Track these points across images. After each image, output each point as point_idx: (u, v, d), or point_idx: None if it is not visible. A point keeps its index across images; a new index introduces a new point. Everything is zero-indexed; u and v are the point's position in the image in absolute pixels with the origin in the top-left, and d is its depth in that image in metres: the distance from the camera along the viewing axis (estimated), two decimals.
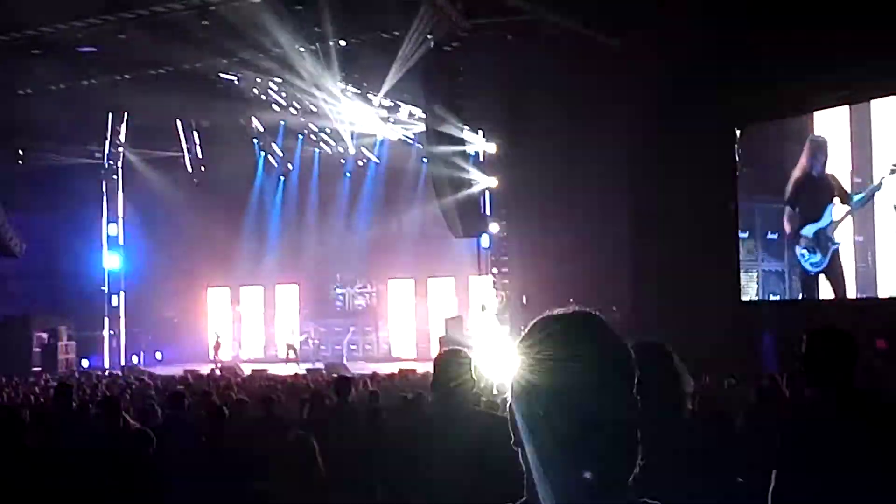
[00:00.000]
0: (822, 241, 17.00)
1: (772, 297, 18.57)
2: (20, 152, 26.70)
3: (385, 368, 19.99)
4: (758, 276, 18.87)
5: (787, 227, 17.79)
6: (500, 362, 19.41)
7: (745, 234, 18.99)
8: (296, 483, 5.01)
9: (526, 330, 1.80)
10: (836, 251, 16.85)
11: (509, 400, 1.78)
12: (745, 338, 16.81)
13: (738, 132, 18.98)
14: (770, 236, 18.61)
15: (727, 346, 15.48)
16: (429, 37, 18.63)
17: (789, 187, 17.72)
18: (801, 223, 17.40)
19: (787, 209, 17.77)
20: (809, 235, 17.20)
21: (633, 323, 16.59)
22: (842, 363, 3.78)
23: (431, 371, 4.50)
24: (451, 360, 4.37)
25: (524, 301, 20.84)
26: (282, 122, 27.17)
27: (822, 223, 16.99)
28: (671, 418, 3.36)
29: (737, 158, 18.99)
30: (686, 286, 17.62)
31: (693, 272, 17.75)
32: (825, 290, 17.25)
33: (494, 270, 22.04)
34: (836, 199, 16.78)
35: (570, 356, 1.71)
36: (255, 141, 28.60)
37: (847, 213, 16.71)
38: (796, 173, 17.55)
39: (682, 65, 17.57)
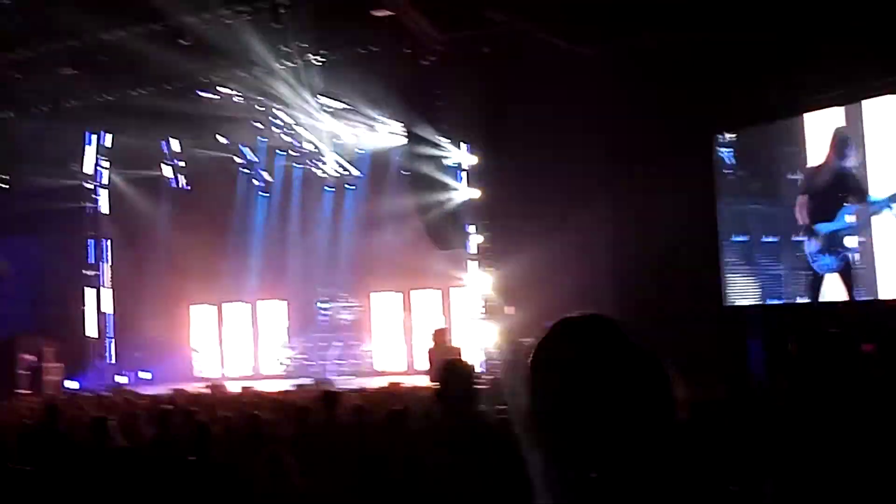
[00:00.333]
0: (836, 244, 16.81)
1: (769, 301, 18.55)
2: (3, 175, 26.62)
3: (372, 382, 19.98)
4: (756, 280, 18.89)
5: (800, 218, 17.56)
6: (489, 369, 19.50)
7: (744, 238, 19.01)
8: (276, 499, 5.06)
9: (543, 332, 1.86)
10: (848, 255, 16.65)
11: (522, 402, 1.81)
12: (735, 343, 16.84)
13: (734, 135, 19.07)
14: (766, 239, 18.62)
15: (716, 352, 15.48)
16: (406, 51, 18.71)
17: (805, 176, 17.60)
18: (815, 219, 17.22)
19: (801, 198, 17.56)
20: (821, 234, 17.04)
21: None
22: (832, 366, 3.73)
23: (437, 381, 4.51)
24: (455, 369, 4.39)
25: (508, 311, 20.89)
26: (263, 139, 27.20)
27: (837, 224, 16.75)
28: (663, 425, 3.38)
29: (731, 161, 19.08)
30: (671, 292, 17.70)
31: (677, 278, 17.83)
32: (830, 293, 17.07)
33: (479, 281, 22.17)
34: (853, 200, 16.49)
35: (587, 359, 1.77)
36: (236, 158, 28.58)
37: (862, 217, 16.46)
38: (816, 163, 17.38)
39: (663, 71, 17.68)
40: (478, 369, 14.75)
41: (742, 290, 19.02)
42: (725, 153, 19.25)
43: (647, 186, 18.37)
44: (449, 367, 4.49)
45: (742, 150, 19.10)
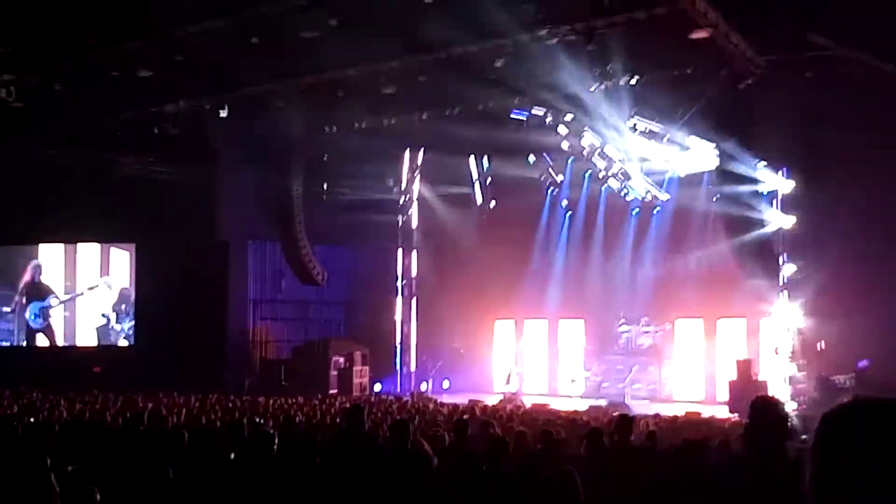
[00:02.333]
0: None
1: None
2: (324, 187, 28.41)
3: (668, 409, 19.57)
4: None
5: None
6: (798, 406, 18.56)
7: None
8: None
9: (832, 411, 1.76)
10: None
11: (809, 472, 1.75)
12: None
13: None
14: None
15: None
16: (722, 74, 18.23)
17: None
18: None
19: None
20: None
21: None
22: None
23: (748, 418, 4.31)
24: (767, 409, 4.15)
25: (820, 347, 19.82)
26: (570, 159, 27.40)
27: None
28: None
29: None
30: None
31: None
32: None
33: (789, 313, 21.18)
34: None
35: (876, 450, 1.66)
36: (543, 178, 28.96)
37: None
38: None
39: None
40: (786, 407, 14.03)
41: None
42: None
43: None
44: (761, 407, 4.23)
45: None
